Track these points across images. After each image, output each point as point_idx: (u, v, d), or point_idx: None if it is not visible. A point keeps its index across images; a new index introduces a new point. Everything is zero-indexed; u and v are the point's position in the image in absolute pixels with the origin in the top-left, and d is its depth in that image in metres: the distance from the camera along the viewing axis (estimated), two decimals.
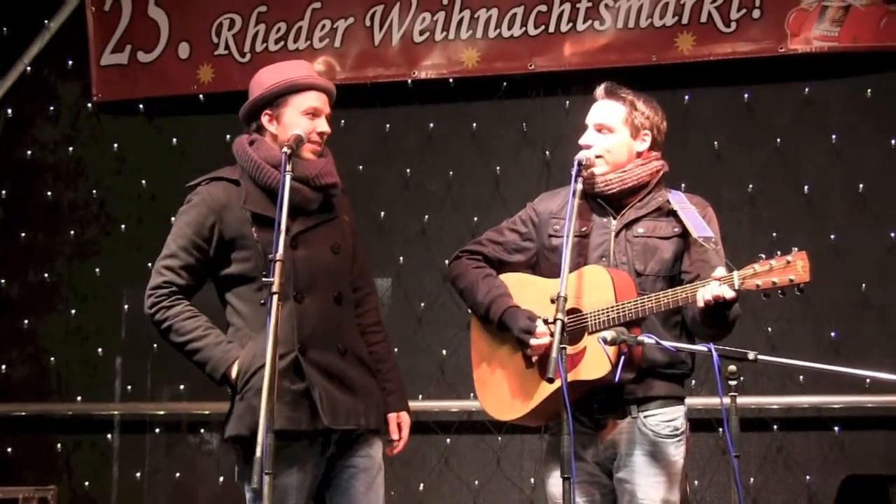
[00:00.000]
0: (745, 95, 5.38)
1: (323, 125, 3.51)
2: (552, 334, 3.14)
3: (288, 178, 3.24)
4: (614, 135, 3.48)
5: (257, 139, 3.51)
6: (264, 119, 3.51)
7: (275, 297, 3.06)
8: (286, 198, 3.21)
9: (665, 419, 3.39)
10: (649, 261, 3.43)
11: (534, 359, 3.43)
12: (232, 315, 3.48)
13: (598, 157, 3.46)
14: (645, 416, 3.38)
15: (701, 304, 3.18)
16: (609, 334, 3.14)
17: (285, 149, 3.31)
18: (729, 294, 3.15)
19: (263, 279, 3.13)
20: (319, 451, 3.41)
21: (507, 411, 3.53)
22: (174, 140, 5.89)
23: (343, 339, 3.46)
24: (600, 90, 3.55)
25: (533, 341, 3.37)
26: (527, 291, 3.51)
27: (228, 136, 5.76)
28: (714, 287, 3.16)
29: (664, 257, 3.43)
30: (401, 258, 5.59)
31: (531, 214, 3.63)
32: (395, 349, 5.12)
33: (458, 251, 3.70)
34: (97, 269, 5.87)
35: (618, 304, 3.29)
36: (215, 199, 3.47)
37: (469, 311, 3.66)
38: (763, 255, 3.15)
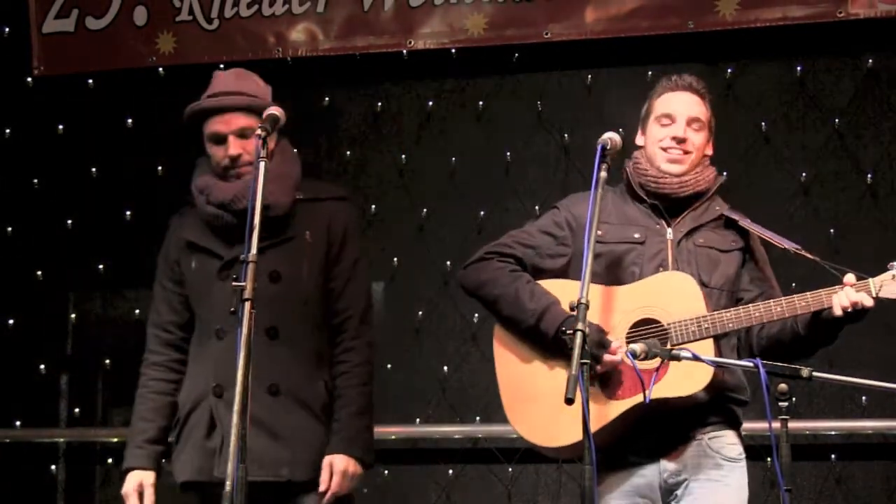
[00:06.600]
0: (798, 68, 5.39)
1: (231, 149, 3.59)
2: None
3: (262, 164, 3.24)
4: (702, 134, 3.65)
5: (201, 161, 3.72)
6: None
7: (247, 305, 3.08)
8: (259, 190, 3.20)
9: (730, 441, 3.53)
10: (713, 273, 3.56)
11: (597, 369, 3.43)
12: None
13: (686, 153, 3.59)
14: (710, 438, 3.51)
15: (838, 311, 3.32)
16: (638, 347, 3.18)
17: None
18: (868, 302, 3.32)
19: (233, 283, 3.15)
20: None
21: (559, 436, 3.49)
22: (129, 121, 5.90)
23: (276, 378, 3.54)
24: (683, 80, 3.66)
25: (608, 357, 3.41)
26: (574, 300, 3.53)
27: None
28: (851, 293, 3.32)
29: (728, 272, 3.57)
30: (395, 259, 5.59)
31: (568, 217, 3.69)
32: (388, 365, 5.20)
33: (483, 251, 3.71)
34: (38, 272, 5.88)
35: (711, 314, 3.40)
36: (173, 226, 3.75)
37: (501, 322, 3.63)
38: None
